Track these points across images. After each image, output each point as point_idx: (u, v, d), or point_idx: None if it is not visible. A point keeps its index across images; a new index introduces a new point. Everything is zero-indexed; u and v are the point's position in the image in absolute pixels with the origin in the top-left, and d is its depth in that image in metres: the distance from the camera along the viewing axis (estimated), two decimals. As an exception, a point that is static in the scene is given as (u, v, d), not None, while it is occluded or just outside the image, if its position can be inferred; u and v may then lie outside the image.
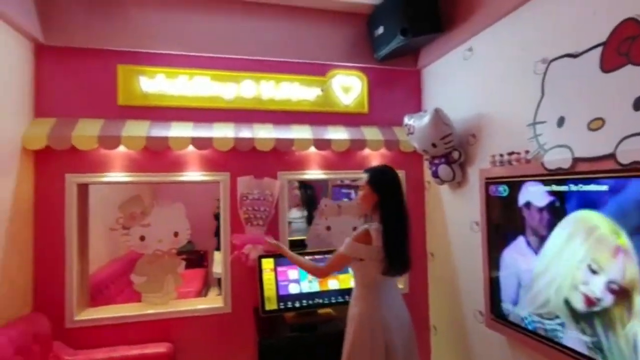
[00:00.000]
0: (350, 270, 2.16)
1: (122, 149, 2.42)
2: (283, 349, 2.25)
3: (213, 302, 2.71)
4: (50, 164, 2.38)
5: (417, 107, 3.01)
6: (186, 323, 2.56)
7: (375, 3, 2.67)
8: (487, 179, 2.17)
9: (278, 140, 2.60)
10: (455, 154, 2.44)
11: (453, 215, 2.69)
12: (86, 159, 2.44)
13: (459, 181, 2.54)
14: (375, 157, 2.90)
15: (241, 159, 2.64)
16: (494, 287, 2.15)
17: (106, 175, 2.48)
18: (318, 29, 2.83)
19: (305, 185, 4.29)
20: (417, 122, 2.47)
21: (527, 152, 1.91)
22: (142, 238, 2.56)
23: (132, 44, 2.53)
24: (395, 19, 2.46)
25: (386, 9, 2.55)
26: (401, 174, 2.95)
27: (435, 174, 2.58)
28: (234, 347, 2.61)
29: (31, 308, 2.31)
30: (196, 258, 5.39)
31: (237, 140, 2.54)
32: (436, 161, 2.55)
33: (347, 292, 2.49)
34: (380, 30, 2.62)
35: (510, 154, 2.03)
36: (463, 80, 2.54)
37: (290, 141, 2.62)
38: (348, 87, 2.88)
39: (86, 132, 2.34)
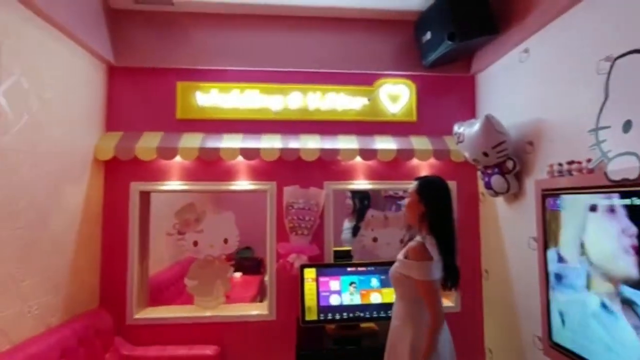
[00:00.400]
0: (394, 285, 1.95)
1: (178, 159, 2.60)
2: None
3: (259, 309, 2.77)
4: (117, 173, 2.63)
5: (470, 115, 2.85)
6: (233, 328, 2.64)
7: (421, 9, 2.60)
8: (543, 190, 1.97)
9: (323, 150, 2.62)
10: (510, 164, 2.26)
11: (509, 230, 2.48)
12: (148, 169, 2.65)
13: (515, 193, 2.35)
14: (424, 168, 2.79)
15: (287, 168, 2.69)
16: (552, 312, 1.94)
17: (165, 183, 2.67)
18: (365, 39, 2.82)
19: (361, 195, 4.23)
20: (467, 130, 2.33)
21: (588, 160, 1.71)
22: (195, 243, 2.70)
23: (190, 62, 2.73)
24: (442, 24, 2.37)
25: (433, 14, 2.47)
26: (452, 185, 2.79)
27: (488, 185, 2.41)
28: (276, 354, 2.63)
29: (98, 304, 2.55)
30: (254, 264, 5.56)
31: (283, 150, 2.60)
32: (489, 171, 2.38)
33: (390, 306, 2.40)
34: (428, 36, 2.53)
35: (570, 163, 1.83)
36: (519, 84, 2.36)
37: (336, 151, 2.62)
38: (396, 96, 2.82)
39: (147, 144, 2.55)
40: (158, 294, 3.25)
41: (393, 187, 3.00)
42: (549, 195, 1.94)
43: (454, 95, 2.90)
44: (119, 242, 2.60)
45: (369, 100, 2.80)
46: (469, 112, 2.88)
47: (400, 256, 1.88)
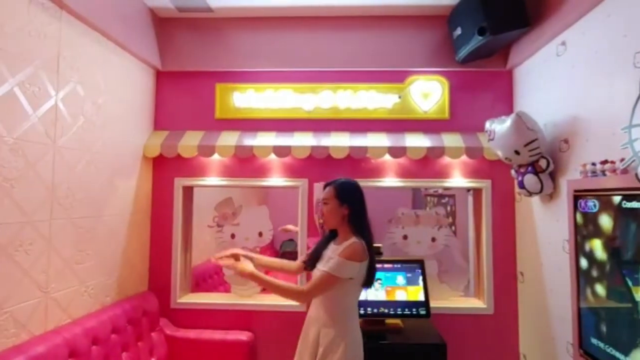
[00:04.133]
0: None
1: (216, 156, 2.78)
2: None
3: (290, 300, 2.89)
4: (163, 169, 2.88)
5: (508, 111, 2.73)
6: (266, 316, 2.79)
7: (453, 3, 2.54)
8: (575, 191, 1.88)
9: (352, 147, 2.66)
10: (543, 163, 2.16)
11: (544, 232, 2.37)
12: (190, 165, 2.87)
13: (550, 193, 2.24)
14: (456, 165, 2.74)
15: (318, 166, 2.78)
16: (584, 319, 1.85)
17: (205, 179, 2.87)
18: (396, 35, 2.81)
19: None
20: (498, 128, 2.26)
21: (622, 160, 1.61)
22: (233, 236, 2.89)
23: (227, 64, 2.89)
24: (473, 18, 2.30)
25: (463, 8, 2.40)
26: (487, 184, 2.73)
27: (521, 185, 2.32)
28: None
29: (146, 288, 2.82)
30: (296, 257, 5.71)
31: (314, 148, 2.69)
32: (522, 170, 2.29)
33: (416, 304, 2.42)
34: (459, 31, 2.47)
35: (604, 162, 1.73)
36: (556, 79, 2.23)
37: (364, 149, 2.66)
38: (427, 93, 2.78)
39: (189, 142, 2.76)
40: (202, 282, 3.50)
41: (424, 185, 2.96)
42: (581, 197, 1.85)
43: (489, 90, 2.80)
44: (165, 232, 2.84)
45: (399, 97, 2.79)
46: (506, 108, 2.76)
47: (330, 258, 1.82)
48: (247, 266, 1.89)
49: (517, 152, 2.21)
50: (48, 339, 1.77)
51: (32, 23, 1.81)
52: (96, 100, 2.27)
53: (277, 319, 2.79)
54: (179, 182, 2.87)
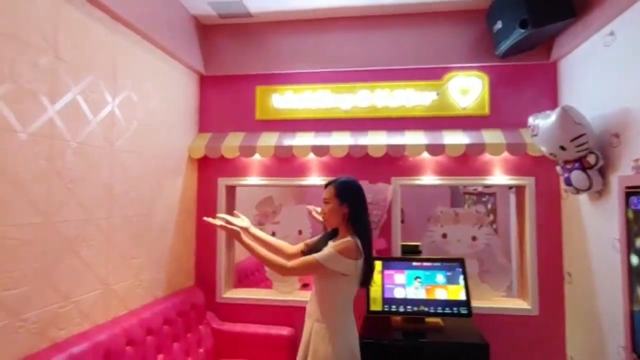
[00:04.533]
0: (318, 284, 1.85)
1: (257, 156, 2.88)
2: (387, 351, 2.30)
3: (330, 296, 2.94)
4: (207, 169, 3.01)
5: (552, 104, 2.64)
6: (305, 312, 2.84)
7: (492, -3, 2.49)
8: (627, 188, 1.80)
9: (389, 146, 2.67)
10: (592, 158, 2.08)
11: (593, 231, 2.28)
12: (232, 165, 2.99)
13: (599, 190, 2.15)
14: (497, 162, 2.69)
15: (356, 164, 2.80)
16: (636, 322, 1.77)
17: (246, 179, 2.98)
18: (433, 32, 2.79)
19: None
20: (542, 123, 2.20)
21: (678, 155, 1.54)
22: (273, 234, 2.97)
23: (267, 67, 2.98)
24: (514, 11, 2.25)
25: (503, 2, 2.35)
26: (530, 181, 2.66)
27: (567, 182, 2.24)
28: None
29: (193, 283, 2.96)
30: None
31: (351, 147, 2.72)
32: (569, 166, 2.22)
33: (457, 303, 2.39)
34: (499, 24, 2.42)
35: (658, 157, 1.65)
36: (605, 70, 2.14)
37: (402, 147, 2.66)
38: (466, 89, 2.74)
39: (231, 143, 2.88)
40: (244, 277, 3.62)
41: (464, 183, 2.92)
42: (633, 193, 1.77)
43: (532, 84, 2.72)
44: (210, 230, 2.97)
45: (437, 94, 2.77)
46: (550, 101, 2.67)
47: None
48: (242, 222, 1.99)
49: (563, 148, 2.14)
50: (108, 328, 1.92)
51: (92, 35, 1.96)
52: (147, 106, 2.42)
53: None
54: (222, 182, 2.99)
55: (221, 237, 2.95)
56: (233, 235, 1.91)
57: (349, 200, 1.84)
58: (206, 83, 3.08)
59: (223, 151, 2.86)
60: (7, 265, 1.51)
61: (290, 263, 1.82)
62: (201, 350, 2.55)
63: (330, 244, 1.83)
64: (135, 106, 2.30)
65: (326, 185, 1.92)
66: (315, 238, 2.02)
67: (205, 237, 2.98)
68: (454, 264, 2.51)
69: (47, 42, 1.70)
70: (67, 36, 1.80)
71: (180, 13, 2.73)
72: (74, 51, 1.84)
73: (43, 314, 1.66)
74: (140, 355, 2.02)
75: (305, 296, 2.90)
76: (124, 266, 2.18)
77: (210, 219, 1.97)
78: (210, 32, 3.03)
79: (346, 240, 1.78)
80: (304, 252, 1.95)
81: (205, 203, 3.00)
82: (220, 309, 2.91)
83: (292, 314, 2.84)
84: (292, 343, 2.74)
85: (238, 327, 2.79)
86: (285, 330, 2.74)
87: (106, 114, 2.06)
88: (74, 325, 1.82)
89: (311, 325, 1.84)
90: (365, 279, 1.85)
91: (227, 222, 1.97)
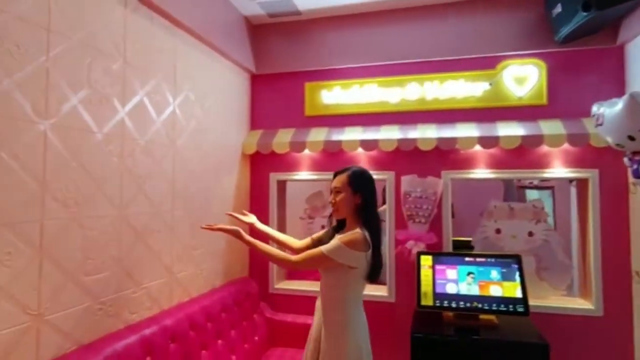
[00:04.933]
0: (326, 277, 1.79)
1: (307, 152, 2.95)
2: (437, 346, 2.28)
3: (380, 290, 2.96)
4: (260, 165, 3.13)
5: (618, 91, 2.46)
6: (355, 304, 2.88)
7: (552, -20, 2.36)
8: None
9: (440, 139, 2.63)
10: (665, 149, 1.93)
11: (667, 226, 2.12)
12: (283, 161, 3.07)
13: (673, 183, 1.99)
14: (556, 154, 2.56)
15: (405, 158, 2.79)
16: None
17: (297, 174, 3.05)
18: (485, 19, 2.70)
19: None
20: (608, 111, 2.06)
21: None
22: (323, 227, 3.02)
23: (315, 63, 3.03)
24: (575, -6, 2.12)
25: (564, -16, 2.23)
26: (593, 173, 2.51)
27: (636, 174, 2.09)
28: (394, 334, 2.80)
29: (247, 274, 3.10)
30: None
31: (400, 141, 2.71)
32: (637, 158, 2.07)
33: (513, 301, 2.32)
34: (558, 8, 2.29)
35: None
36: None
37: (453, 140, 2.61)
38: (522, 78, 2.63)
39: (281, 139, 2.96)
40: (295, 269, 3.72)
41: (520, 176, 2.80)
42: None
43: (595, 70, 2.55)
44: (263, 223, 3.07)
45: (490, 84, 2.67)
46: (617, 88, 2.49)
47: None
48: (249, 218, 2.08)
49: (631, 138, 1.99)
50: (173, 313, 2.07)
51: (155, 41, 2.10)
52: (204, 105, 2.55)
53: (367, 307, 2.83)
54: (274, 177, 3.09)
55: (273, 227, 3.03)
56: (233, 234, 1.93)
57: (362, 190, 1.76)
58: (257, 81, 3.19)
59: (274, 147, 2.95)
60: (89, 253, 1.67)
61: (295, 257, 1.78)
62: (256, 338, 2.66)
63: (337, 236, 1.75)
64: (193, 106, 2.44)
65: (337, 174, 1.84)
66: (322, 232, 1.98)
67: (256, 229, 3.08)
68: (509, 260, 2.43)
69: (118, 50, 1.85)
70: (134, 43, 1.95)
71: (232, 15, 2.85)
72: (139, 56, 1.99)
73: (118, 298, 1.83)
74: (201, 340, 2.15)
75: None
76: (186, 256, 2.33)
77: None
78: (260, 32, 3.12)
79: (354, 232, 1.70)
80: (311, 247, 1.92)
81: (258, 197, 3.12)
82: (272, 299, 3.02)
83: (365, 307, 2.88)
84: (343, 334, 2.79)
85: (289, 317, 2.88)
86: (335, 322, 2.79)
87: (168, 114, 2.20)
88: (144, 310, 1.98)
89: (320, 320, 1.79)
90: (373, 273, 1.75)
91: (235, 218, 2.09)
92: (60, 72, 1.56)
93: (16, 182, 1.39)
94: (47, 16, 1.51)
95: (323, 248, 1.69)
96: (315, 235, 1.99)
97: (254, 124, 3.19)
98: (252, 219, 2.10)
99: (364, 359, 1.73)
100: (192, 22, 2.32)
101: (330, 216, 1.90)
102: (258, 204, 3.11)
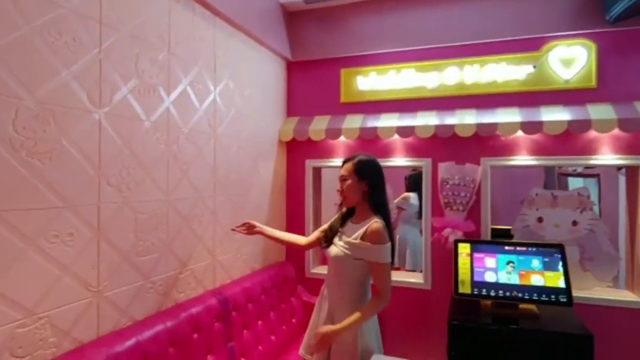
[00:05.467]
0: (346, 270, 1.79)
1: (342, 139, 2.95)
2: (475, 334, 2.26)
3: (415, 277, 2.96)
4: (296, 152, 3.17)
5: (678, 73, 2.32)
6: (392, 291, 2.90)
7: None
8: None
9: (479, 125, 2.57)
10: None
11: None
12: (319, 148, 3.10)
13: None
14: (604, 140, 2.44)
15: (443, 145, 2.75)
16: None
17: (332, 160, 3.07)
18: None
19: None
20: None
21: None
22: (358, 213, 3.05)
23: (351, 49, 3.01)
24: (633, -31, 1.99)
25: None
26: (647, 160, 2.38)
27: (695, 160, 1.98)
28: (429, 321, 2.80)
29: (284, 258, 3.17)
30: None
31: (438, 127, 2.66)
32: (697, 143, 1.95)
33: (555, 291, 2.26)
34: (612, -14, 2.16)
35: None
36: None
37: (493, 126, 2.54)
38: (570, 60, 2.50)
39: (317, 126, 2.98)
40: (328, 255, 3.77)
41: (565, 163, 2.69)
42: None
43: (652, 51, 2.40)
44: (298, 208, 3.15)
45: (534, 67, 2.57)
46: (676, 69, 2.34)
47: (352, 239, 1.76)
48: (328, 329, 1.73)
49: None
50: (217, 294, 2.16)
51: (196, 30, 2.16)
52: (242, 93, 2.60)
53: (401, 294, 2.89)
54: (310, 164, 3.12)
55: (309, 214, 3.11)
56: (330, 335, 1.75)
57: (368, 177, 1.80)
58: (293, 68, 3.21)
59: (310, 134, 2.98)
60: (141, 235, 1.77)
61: (380, 290, 1.74)
62: (293, 320, 2.74)
63: (351, 226, 1.82)
64: (233, 94, 2.50)
65: (346, 162, 1.86)
66: (329, 223, 1.99)
67: (294, 214, 3.16)
68: (551, 250, 2.36)
69: (163, 40, 1.92)
70: (177, 33, 2.01)
71: (269, 3, 2.86)
72: (182, 46, 2.05)
73: (167, 278, 1.93)
74: (243, 320, 2.25)
75: (397, 276, 2.96)
76: (227, 240, 2.42)
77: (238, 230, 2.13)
78: (295, 19, 3.13)
79: (374, 225, 1.72)
80: (322, 239, 1.94)
81: (294, 183, 3.17)
82: (308, 283, 3.09)
83: (373, 291, 2.91)
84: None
85: (325, 301, 2.93)
86: (370, 307, 2.82)
87: (209, 102, 2.26)
88: (190, 290, 2.09)
89: (334, 309, 1.81)
90: (393, 256, 1.82)
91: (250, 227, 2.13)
92: (112, 63, 1.64)
93: (76, 168, 1.49)
94: (98, 9, 1.59)
95: (382, 261, 1.71)
96: (323, 227, 2.02)
97: (290, 111, 3.22)
98: (259, 228, 2.14)
99: (374, 340, 1.82)
100: (231, 11, 2.35)
101: (340, 204, 1.94)
102: (294, 191, 3.16)
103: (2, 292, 1.26)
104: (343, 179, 1.83)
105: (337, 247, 1.83)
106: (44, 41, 1.38)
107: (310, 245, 2.08)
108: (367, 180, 1.80)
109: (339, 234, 1.87)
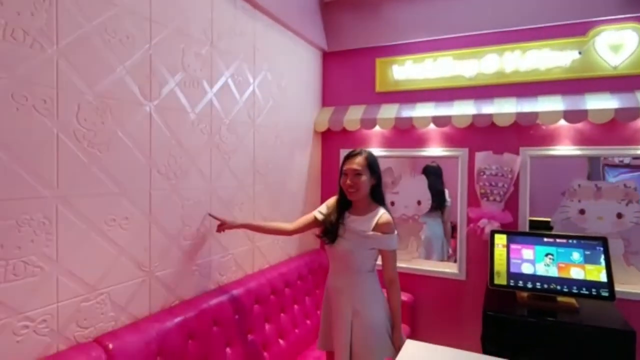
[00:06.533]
0: (362, 258, 1.85)
1: (377, 128, 2.96)
2: (510, 325, 2.24)
3: (449, 267, 2.96)
4: (331, 142, 3.22)
5: None
6: (425, 281, 2.93)
7: None
8: None
9: (519, 114, 2.51)
10: None
11: None
12: (354, 137, 3.13)
13: None
14: (656, 129, 2.32)
15: (480, 134, 2.70)
16: None
17: (366, 150, 3.09)
18: (577, -18, 2.47)
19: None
20: None
21: None
22: (392, 203, 3.07)
23: (386, 38, 3.00)
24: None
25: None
26: (702, 150, 2.25)
27: None
28: (464, 311, 2.80)
29: (319, 245, 3.25)
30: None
31: (475, 116, 2.62)
32: None
33: (596, 284, 2.20)
34: (669, -34, 2.03)
35: None
36: None
37: (534, 114, 2.47)
38: (618, 45, 2.38)
39: (352, 116, 3.01)
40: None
41: (610, 154, 2.59)
42: None
43: None
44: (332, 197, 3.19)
45: (580, 53, 2.47)
46: None
47: (366, 231, 1.82)
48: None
49: None
50: (256, 278, 2.26)
51: (237, 24, 2.23)
52: (280, 84, 2.66)
53: (435, 283, 2.91)
54: (344, 153, 3.12)
55: (342, 205, 3.15)
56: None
57: (377, 171, 1.88)
58: (328, 59, 3.24)
59: (345, 124, 3.01)
60: (187, 221, 1.89)
61: (396, 278, 1.87)
62: (327, 305, 2.82)
63: (354, 218, 1.87)
64: (270, 85, 2.56)
65: (350, 156, 1.86)
66: (321, 216, 2.00)
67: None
68: (593, 243, 2.30)
69: (206, 34, 2.00)
70: (219, 27, 2.09)
71: (306, -6, 2.90)
72: (224, 40, 2.13)
73: (210, 262, 2.04)
74: (281, 304, 2.35)
75: (423, 265, 2.98)
76: (265, 227, 2.52)
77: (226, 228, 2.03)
78: (331, 9, 3.14)
79: (386, 217, 1.83)
80: (325, 236, 1.93)
81: (328, 173, 3.22)
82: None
83: (413, 281, 2.94)
84: (412, 309, 2.87)
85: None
86: (404, 296, 2.85)
87: (249, 94, 2.34)
88: (232, 273, 2.20)
89: (352, 300, 1.84)
90: None
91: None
92: (160, 58, 1.74)
93: (130, 157, 1.60)
94: (148, 7, 1.68)
95: (390, 248, 1.83)
96: (308, 216, 2.05)
97: (326, 101, 3.26)
98: (227, 225, 1.99)
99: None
100: (270, 4, 2.41)
101: (340, 196, 1.95)
102: (329, 181, 3.21)
103: (71, 270, 1.39)
104: (356, 173, 1.81)
105: (348, 241, 1.84)
106: (102, 39, 1.48)
107: (296, 231, 2.05)
108: (376, 174, 1.88)
109: (342, 227, 1.88)
